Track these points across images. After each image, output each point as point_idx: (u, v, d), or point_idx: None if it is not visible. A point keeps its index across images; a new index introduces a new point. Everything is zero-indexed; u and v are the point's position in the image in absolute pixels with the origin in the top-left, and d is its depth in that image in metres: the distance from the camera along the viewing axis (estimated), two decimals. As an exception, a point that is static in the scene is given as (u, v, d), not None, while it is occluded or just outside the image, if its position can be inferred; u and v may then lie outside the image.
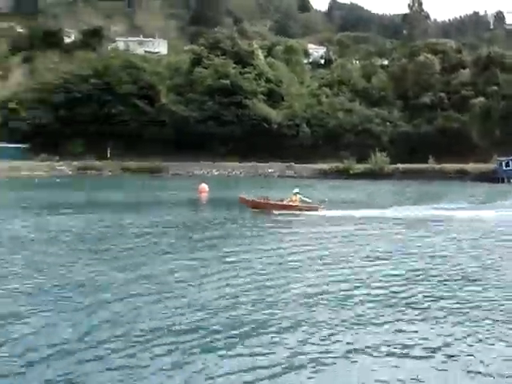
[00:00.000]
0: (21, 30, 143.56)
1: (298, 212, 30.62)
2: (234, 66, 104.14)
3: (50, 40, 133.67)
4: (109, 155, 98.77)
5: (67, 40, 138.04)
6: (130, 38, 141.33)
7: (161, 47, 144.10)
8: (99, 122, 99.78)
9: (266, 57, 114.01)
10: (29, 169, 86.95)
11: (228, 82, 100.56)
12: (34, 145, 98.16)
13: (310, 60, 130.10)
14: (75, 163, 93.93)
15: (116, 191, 50.74)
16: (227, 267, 15.80)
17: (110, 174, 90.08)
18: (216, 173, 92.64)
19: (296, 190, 32.09)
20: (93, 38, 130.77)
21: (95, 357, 9.09)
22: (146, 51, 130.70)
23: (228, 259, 17.05)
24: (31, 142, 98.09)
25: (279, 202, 32.21)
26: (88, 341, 9.81)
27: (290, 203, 31.56)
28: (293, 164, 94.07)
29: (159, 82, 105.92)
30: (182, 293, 12.80)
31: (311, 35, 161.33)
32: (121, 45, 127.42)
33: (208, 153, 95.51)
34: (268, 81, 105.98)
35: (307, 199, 31.97)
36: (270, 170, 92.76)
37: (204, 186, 49.03)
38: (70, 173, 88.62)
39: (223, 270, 15.47)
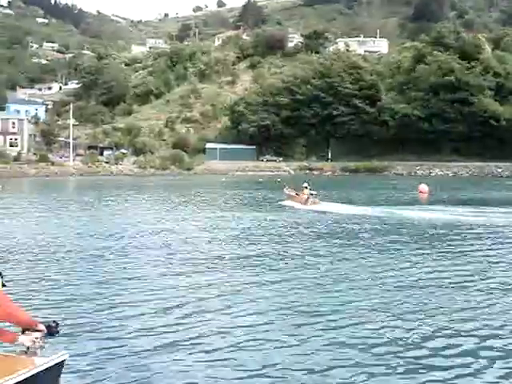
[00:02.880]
0: (247, 38, 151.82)
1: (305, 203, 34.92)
2: (459, 61, 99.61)
3: (274, 45, 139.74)
4: (330, 156, 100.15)
5: (290, 44, 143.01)
6: (350, 39, 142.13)
7: (381, 46, 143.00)
8: (321, 123, 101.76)
9: (493, 49, 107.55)
10: (255, 169, 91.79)
11: (452, 78, 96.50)
12: (259, 146, 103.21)
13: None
14: (297, 163, 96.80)
15: (343, 190, 51.05)
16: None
17: (329, 174, 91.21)
18: (440, 173, 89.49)
19: (305, 185, 36.68)
20: (314, 40, 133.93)
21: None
22: (366, 51, 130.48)
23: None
24: (257, 143, 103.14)
25: (295, 195, 37.06)
26: None
27: (303, 196, 35.98)
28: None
29: (380, 81, 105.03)
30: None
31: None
32: (341, 46, 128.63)
33: (431, 152, 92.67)
34: (496, 75, 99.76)
35: (313, 192, 36.11)
36: (498, 170, 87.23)
37: (424, 187, 47.82)
38: (293, 173, 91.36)
39: None
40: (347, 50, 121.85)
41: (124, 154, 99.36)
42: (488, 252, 18.91)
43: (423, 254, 18.40)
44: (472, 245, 20.36)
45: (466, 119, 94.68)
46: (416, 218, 28.59)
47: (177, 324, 10.74)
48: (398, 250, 19.18)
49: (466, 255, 18.20)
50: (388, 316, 11.24)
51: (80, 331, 10.17)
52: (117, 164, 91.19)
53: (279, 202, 37.34)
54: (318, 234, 23.21)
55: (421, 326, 10.68)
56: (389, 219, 28.30)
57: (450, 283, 14.02)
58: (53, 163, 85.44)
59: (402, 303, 12.19)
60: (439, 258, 17.69)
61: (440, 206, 35.72)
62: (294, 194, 37.67)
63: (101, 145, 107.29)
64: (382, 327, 10.55)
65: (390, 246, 19.89)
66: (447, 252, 18.74)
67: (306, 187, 36.51)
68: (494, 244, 20.67)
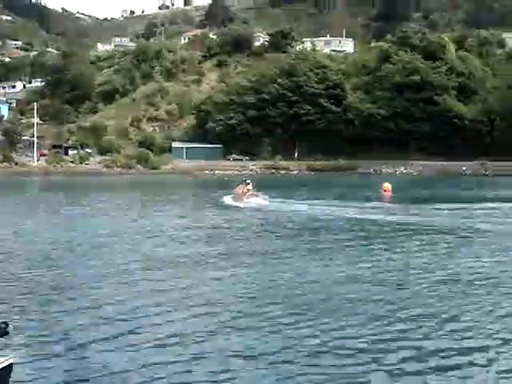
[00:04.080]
0: (213, 37, 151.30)
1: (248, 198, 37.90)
2: (424, 61, 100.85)
3: (241, 44, 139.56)
4: (296, 155, 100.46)
5: (256, 43, 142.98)
6: (316, 39, 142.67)
7: (347, 46, 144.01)
8: (288, 123, 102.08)
9: (457, 50, 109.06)
10: (221, 168, 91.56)
11: (417, 77, 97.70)
12: (226, 145, 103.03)
13: (506, 50, 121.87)
14: (264, 163, 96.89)
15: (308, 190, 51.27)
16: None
17: (296, 173, 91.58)
18: (405, 171, 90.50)
19: (248, 181, 40.43)
20: (281, 40, 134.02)
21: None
22: (332, 50, 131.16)
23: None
24: (224, 142, 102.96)
25: (240, 191, 39.83)
26: None
27: (244, 191, 39.19)
28: (487, 162, 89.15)
29: (346, 81, 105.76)
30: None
31: (506, 25, 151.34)
32: (308, 45, 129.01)
33: (397, 151, 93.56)
34: (459, 75, 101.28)
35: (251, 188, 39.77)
36: (462, 169, 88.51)
37: (387, 185, 48.26)
38: (259, 172, 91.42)
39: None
40: (313, 50, 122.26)
41: (89, 153, 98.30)
42: (425, 247, 19.67)
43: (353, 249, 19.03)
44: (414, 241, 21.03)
45: (430, 118, 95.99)
46: (367, 217, 28.89)
47: (134, 328, 10.61)
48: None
49: (401, 252, 18.81)
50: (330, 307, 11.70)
51: (31, 334, 9.99)
52: (82, 163, 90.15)
53: (221, 200, 39.01)
54: (243, 231, 23.50)
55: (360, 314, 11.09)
56: (338, 218, 28.85)
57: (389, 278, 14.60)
58: (16, 163, 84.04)
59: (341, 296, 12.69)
60: (377, 253, 18.45)
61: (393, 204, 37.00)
62: (240, 191, 39.95)
63: (65, 144, 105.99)
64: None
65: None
66: (386, 249, 19.32)
67: (248, 183, 40.17)
68: (436, 241, 21.12)
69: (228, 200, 38.68)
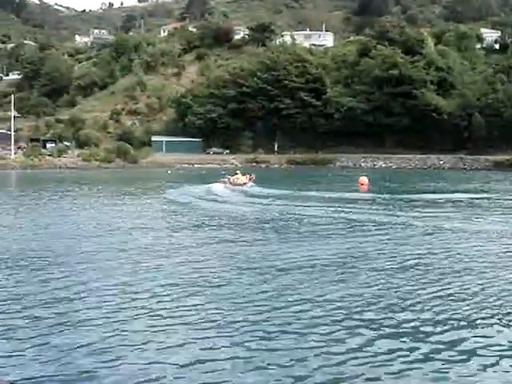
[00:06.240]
0: (193, 29, 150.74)
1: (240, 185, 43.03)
2: (403, 55, 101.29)
3: (221, 37, 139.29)
4: (276, 148, 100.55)
5: (236, 37, 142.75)
6: (296, 32, 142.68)
7: (327, 39, 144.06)
8: (268, 116, 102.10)
9: (435, 44, 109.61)
10: (201, 161, 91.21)
11: (396, 72, 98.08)
12: (206, 138, 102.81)
13: (484, 45, 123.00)
14: (244, 156, 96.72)
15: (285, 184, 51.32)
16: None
17: (277, 166, 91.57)
18: (383, 165, 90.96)
19: (237, 171, 46.89)
20: (261, 33, 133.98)
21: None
22: (312, 44, 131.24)
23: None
24: (204, 135, 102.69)
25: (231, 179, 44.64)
26: None
27: (234, 179, 44.62)
28: (464, 156, 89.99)
29: (325, 75, 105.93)
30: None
31: (484, 19, 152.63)
32: (288, 39, 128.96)
33: (376, 144, 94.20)
34: (438, 69, 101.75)
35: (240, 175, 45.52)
36: (440, 162, 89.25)
37: (363, 179, 48.55)
38: (239, 165, 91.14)
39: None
40: (293, 44, 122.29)
41: (67, 146, 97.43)
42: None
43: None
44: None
45: (409, 112, 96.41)
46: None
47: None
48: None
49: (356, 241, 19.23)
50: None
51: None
52: (60, 157, 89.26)
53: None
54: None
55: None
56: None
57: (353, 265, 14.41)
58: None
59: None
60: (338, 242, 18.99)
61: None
62: (225, 179, 44.60)
63: (43, 137, 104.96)
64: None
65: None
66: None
67: (237, 173, 46.16)
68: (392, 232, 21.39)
69: (215, 186, 41.86)
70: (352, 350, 9.14)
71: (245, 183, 43.96)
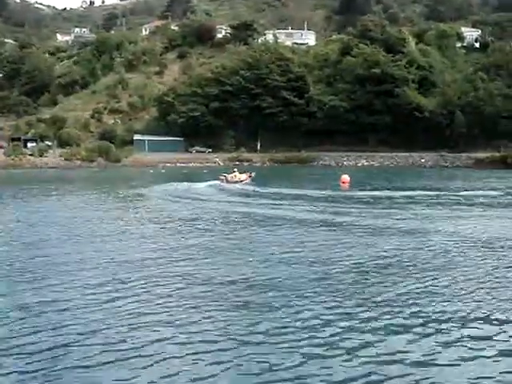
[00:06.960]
0: (175, 28, 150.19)
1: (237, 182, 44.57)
2: (384, 54, 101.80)
3: (203, 36, 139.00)
4: (259, 147, 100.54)
5: (219, 35, 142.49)
6: (278, 31, 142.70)
7: (309, 38, 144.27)
8: (250, 115, 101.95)
9: (417, 43, 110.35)
10: (184, 160, 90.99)
11: (378, 70, 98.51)
12: (189, 137, 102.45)
13: (464, 44, 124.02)
14: (227, 155, 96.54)
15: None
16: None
17: (259, 165, 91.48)
18: (366, 163, 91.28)
19: (235, 169, 48.29)
20: (243, 31, 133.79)
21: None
22: (294, 43, 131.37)
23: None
24: (186, 134, 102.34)
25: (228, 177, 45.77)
26: None
27: (232, 176, 45.75)
28: (446, 153, 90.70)
29: (308, 73, 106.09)
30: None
31: (464, 18, 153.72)
32: (270, 37, 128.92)
33: (358, 143, 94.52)
34: (419, 68, 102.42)
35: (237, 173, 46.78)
36: (422, 160, 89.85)
37: (345, 177, 48.76)
38: (222, 164, 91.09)
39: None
40: (275, 42, 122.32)
41: (49, 145, 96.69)
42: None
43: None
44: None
45: (391, 111, 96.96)
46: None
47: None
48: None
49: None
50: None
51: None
52: (41, 156, 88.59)
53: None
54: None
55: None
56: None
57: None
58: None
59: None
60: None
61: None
62: (223, 177, 45.52)
63: (24, 137, 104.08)
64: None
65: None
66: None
67: (235, 171, 47.20)
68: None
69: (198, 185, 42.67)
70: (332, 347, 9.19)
71: (242, 181, 45.21)
